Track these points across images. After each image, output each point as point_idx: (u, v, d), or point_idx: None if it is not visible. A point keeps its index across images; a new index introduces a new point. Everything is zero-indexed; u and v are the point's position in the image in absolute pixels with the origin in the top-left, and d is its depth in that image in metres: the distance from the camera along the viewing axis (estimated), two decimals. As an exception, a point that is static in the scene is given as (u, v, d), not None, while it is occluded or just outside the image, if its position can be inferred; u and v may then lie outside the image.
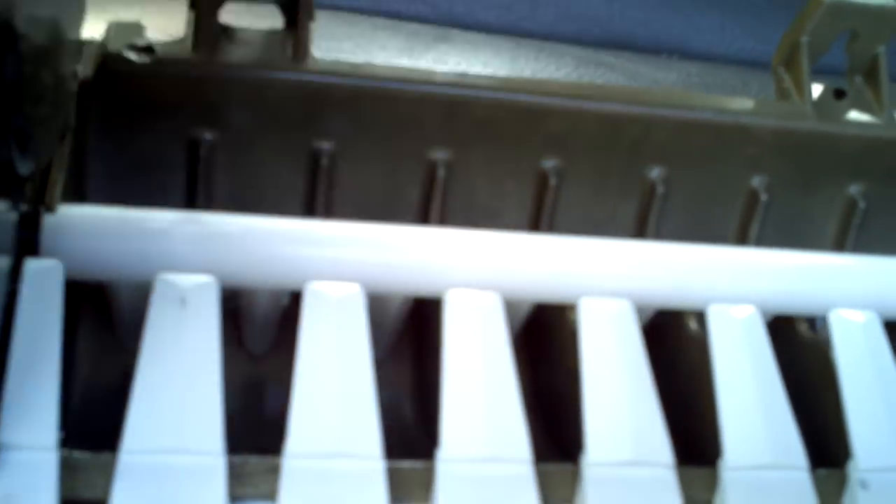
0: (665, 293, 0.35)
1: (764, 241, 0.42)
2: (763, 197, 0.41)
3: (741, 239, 0.42)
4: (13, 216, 0.31)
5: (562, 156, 0.40)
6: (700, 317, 0.36)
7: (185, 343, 0.30)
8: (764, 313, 0.35)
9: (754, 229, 0.42)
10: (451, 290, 0.33)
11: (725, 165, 0.41)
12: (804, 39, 0.42)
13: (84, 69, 0.36)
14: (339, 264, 0.33)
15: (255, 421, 0.39)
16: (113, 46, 0.36)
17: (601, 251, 0.35)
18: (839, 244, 0.43)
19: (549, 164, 0.40)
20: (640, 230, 0.41)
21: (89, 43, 0.37)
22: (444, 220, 0.40)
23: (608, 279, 0.35)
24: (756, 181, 0.42)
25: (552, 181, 0.40)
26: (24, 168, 0.30)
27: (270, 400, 0.40)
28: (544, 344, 0.40)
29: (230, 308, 0.38)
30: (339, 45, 0.57)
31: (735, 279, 0.35)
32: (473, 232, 0.34)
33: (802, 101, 0.41)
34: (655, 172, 0.41)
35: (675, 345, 0.39)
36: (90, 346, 0.38)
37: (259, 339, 0.39)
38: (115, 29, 0.37)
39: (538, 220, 0.41)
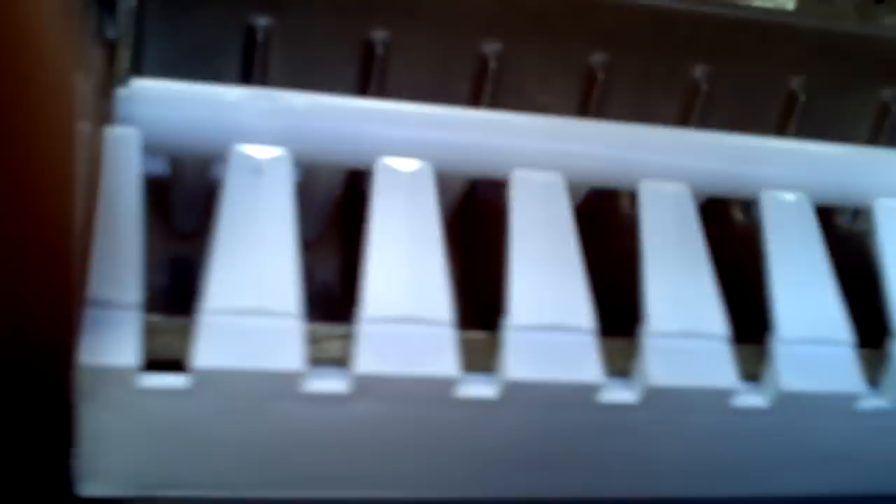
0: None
1: (801, 137, 0.43)
2: (801, 97, 0.42)
3: (780, 135, 0.43)
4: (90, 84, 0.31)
5: (610, 51, 0.41)
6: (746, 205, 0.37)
7: (262, 210, 0.31)
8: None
9: (791, 129, 0.43)
10: (517, 169, 0.34)
11: (768, 65, 0.42)
12: (848, -58, 0.42)
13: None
14: (405, 142, 0.33)
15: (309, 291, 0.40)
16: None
17: (656, 137, 0.36)
18: (872, 142, 0.44)
19: (598, 58, 0.41)
20: (682, 126, 0.42)
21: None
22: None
23: (663, 165, 0.36)
24: (795, 82, 0.43)
25: (599, 76, 0.41)
26: (112, 31, 0.30)
27: (318, 276, 0.41)
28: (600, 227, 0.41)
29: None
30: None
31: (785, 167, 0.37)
32: (536, 116, 0.35)
33: (844, 3, 0.42)
34: (700, 70, 0.42)
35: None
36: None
37: (311, 225, 0.40)
38: None
39: (585, 113, 0.41)
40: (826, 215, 0.40)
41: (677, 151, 0.36)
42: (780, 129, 0.43)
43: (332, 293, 0.41)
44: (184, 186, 0.36)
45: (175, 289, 0.39)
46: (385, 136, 0.33)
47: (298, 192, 0.32)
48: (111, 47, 0.33)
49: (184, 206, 0.38)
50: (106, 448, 0.29)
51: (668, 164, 0.36)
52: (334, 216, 0.40)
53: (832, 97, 0.43)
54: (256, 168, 0.31)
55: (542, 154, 0.35)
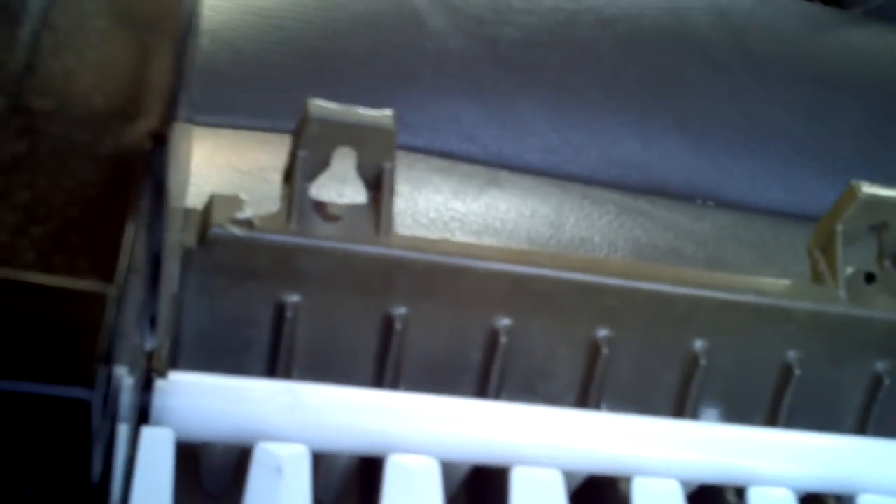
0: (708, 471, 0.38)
1: (795, 411, 0.45)
2: (797, 371, 0.45)
3: (774, 409, 0.45)
4: (130, 381, 0.34)
5: (613, 327, 0.44)
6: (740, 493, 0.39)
7: (281, 510, 0.33)
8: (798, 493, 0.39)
9: (787, 401, 0.45)
10: (517, 467, 0.36)
11: (762, 341, 0.45)
12: (839, 228, 0.45)
13: (189, 239, 0.40)
14: (416, 436, 0.36)
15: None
16: (215, 217, 0.40)
17: (650, 430, 0.38)
18: (864, 417, 0.46)
19: (602, 333, 0.44)
20: (681, 397, 0.45)
21: (193, 212, 0.41)
22: (502, 381, 0.44)
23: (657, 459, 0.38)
24: (790, 356, 0.45)
25: (604, 350, 0.44)
26: (150, 343, 0.33)
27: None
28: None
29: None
30: (399, 188, 0.61)
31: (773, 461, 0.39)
32: (537, 409, 0.38)
33: (836, 285, 0.45)
34: (699, 345, 0.44)
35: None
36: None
37: (332, 490, 0.42)
38: (217, 200, 0.41)
39: (589, 384, 0.44)
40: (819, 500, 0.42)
41: (669, 444, 0.38)
42: (777, 400, 0.46)
43: None
44: (213, 459, 0.39)
45: None
46: (396, 430, 0.36)
47: (320, 460, 0.35)
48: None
49: (213, 470, 0.41)
50: None
51: (661, 456, 0.38)
52: (353, 481, 0.42)
53: (826, 370, 0.46)
54: (278, 468, 0.34)
55: (541, 447, 0.37)
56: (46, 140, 0.27)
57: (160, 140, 0.28)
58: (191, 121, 0.42)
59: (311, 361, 0.42)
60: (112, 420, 0.24)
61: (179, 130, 0.33)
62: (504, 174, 0.65)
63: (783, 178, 0.69)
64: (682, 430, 0.39)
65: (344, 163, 0.41)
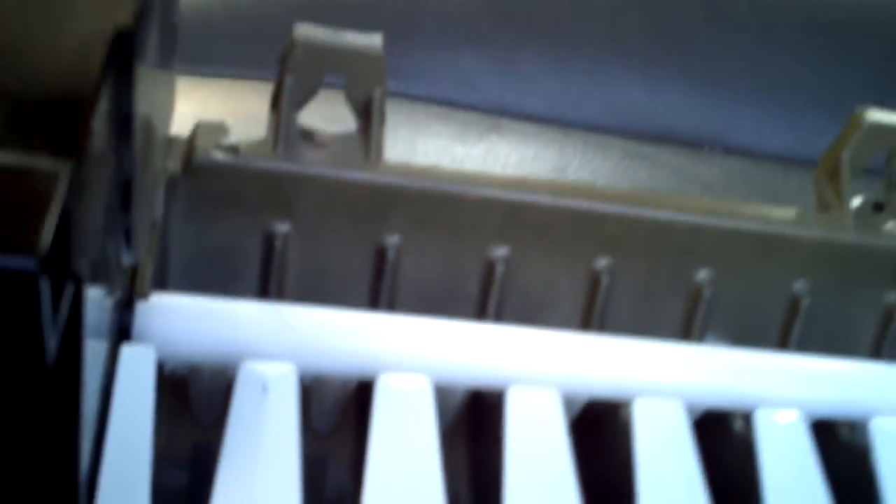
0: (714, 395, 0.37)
1: (805, 343, 0.44)
2: (804, 301, 0.44)
3: (783, 341, 0.44)
4: (110, 301, 0.33)
5: (613, 257, 0.42)
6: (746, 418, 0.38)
7: (266, 428, 0.32)
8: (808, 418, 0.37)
9: (796, 332, 0.44)
10: (513, 387, 0.35)
11: (768, 272, 0.43)
12: (845, 155, 0.44)
13: (174, 165, 0.39)
14: (407, 357, 0.35)
15: (317, 496, 0.41)
16: (200, 144, 0.39)
17: (653, 353, 0.37)
18: (876, 350, 0.45)
19: (602, 263, 0.42)
20: (686, 330, 0.44)
21: (178, 140, 0.40)
22: (500, 312, 0.42)
23: (660, 382, 0.37)
24: (798, 287, 0.44)
25: (604, 280, 0.42)
26: (128, 260, 0.32)
27: (331, 476, 0.42)
28: (598, 438, 0.42)
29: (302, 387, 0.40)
30: (395, 132, 0.59)
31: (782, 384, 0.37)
32: (535, 331, 0.37)
33: (842, 214, 0.44)
34: (702, 275, 0.43)
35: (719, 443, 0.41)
36: (166, 421, 0.41)
37: (326, 419, 0.41)
38: (202, 128, 0.40)
39: (590, 315, 0.43)
40: (829, 428, 0.41)
41: (673, 367, 0.37)
42: (785, 332, 0.44)
43: (344, 489, 0.42)
44: (201, 385, 0.38)
45: (196, 482, 0.41)
46: (386, 352, 0.35)
47: (312, 389, 0.34)
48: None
49: (203, 399, 0.40)
50: None
51: (663, 379, 0.37)
52: (348, 410, 0.41)
53: (835, 301, 0.44)
54: (263, 386, 0.33)
55: (539, 369, 0.36)
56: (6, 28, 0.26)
57: (127, 35, 0.27)
58: (171, 65, 0.41)
59: (302, 293, 0.41)
60: (77, 309, 0.23)
61: (151, 29, 0.32)
62: (505, 121, 0.64)
63: (791, 123, 0.68)
64: (686, 353, 0.38)
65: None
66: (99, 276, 0.30)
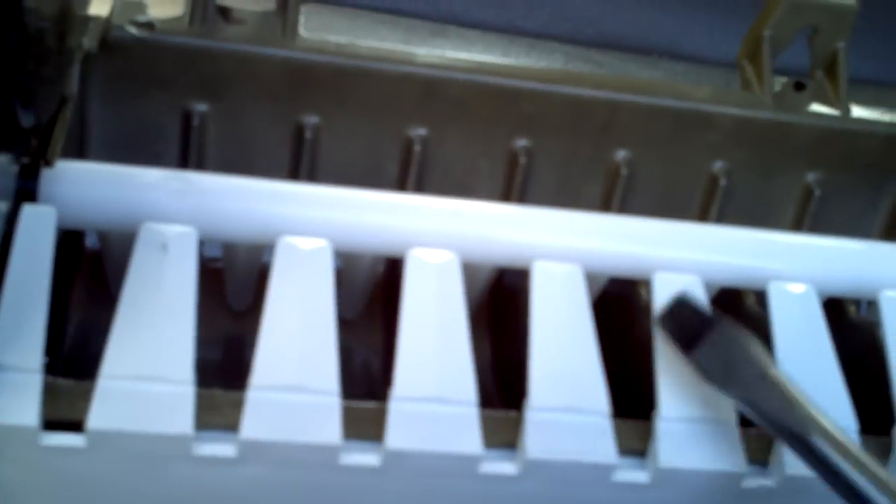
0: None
1: (724, 220, 0.44)
2: (722, 182, 0.44)
3: (702, 218, 0.44)
4: (15, 168, 0.34)
5: (532, 136, 0.43)
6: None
7: (165, 284, 0.33)
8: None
9: (713, 212, 0.44)
10: (413, 250, 0.35)
11: (687, 150, 0.44)
12: (766, 34, 0.44)
13: (89, 41, 0.39)
14: (309, 222, 0.35)
15: (234, 371, 0.42)
16: (117, 21, 0.40)
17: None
18: (796, 229, 0.45)
19: (520, 143, 0.43)
20: (604, 210, 0.44)
21: (96, 18, 0.40)
22: (419, 193, 0.43)
23: (562, 247, 0.37)
24: (716, 166, 0.44)
25: (522, 160, 0.43)
26: (26, 120, 0.33)
27: (248, 351, 0.43)
28: (508, 309, 0.43)
29: (215, 266, 0.41)
30: (338, 38, 0.59)
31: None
32: (437, 199, 0.37)
33: (763, 92, 0.44)
34: (621, 155, 0.43)
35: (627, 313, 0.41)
36: (83, 297, 0.41)
37: (239, 295, 0.42)
38: (120, 6, 0.40)
39: (508, 196, 0.43)
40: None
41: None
42: (703, 212, 0.45)
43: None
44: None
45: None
46: (289, 216, 0.35)
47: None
48: (46, 131, 0.35)
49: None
50: (13, 500, 0.31)
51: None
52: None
53: (754, 181, 0.45)
54: (163, 245, 0.33)
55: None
56: None
57: None
58: None
59: (222, 171, 0.41)
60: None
61: None
62: (451, 27, 0.64)
63: (741, 31, 0.67)
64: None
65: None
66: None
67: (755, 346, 0.33)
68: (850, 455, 0.30)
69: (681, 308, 0.34)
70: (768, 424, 0.32)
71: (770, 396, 0.32)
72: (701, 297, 0.36)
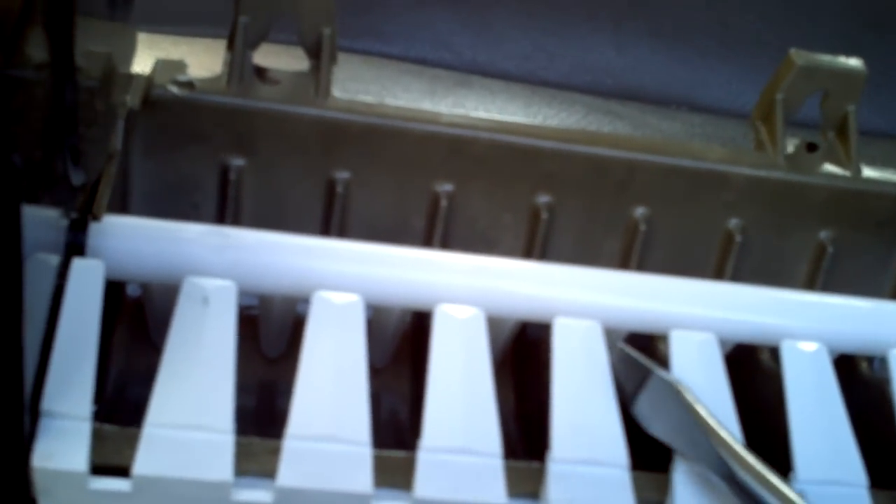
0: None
1: (739, 280, 0.46)
2: (738, 238, 0.46)
3: (717, 277, 0.46)
4: (65, 222, 0.36)
5: (553, 193, 0.44)
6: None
7: (206, 336, 0.34)
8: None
9: (729, 268, 0.46)
10: (441, 306, 0.37)
11: (703, 208, 0.45)
12: (779, 97, 0.46)
13: (133, 99, 0.41)
14: (342, 277, 0.37)
15: (268, 416, 0.44)
16: (158, 80, 0.42)
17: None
18: (810, 286, 0.47)
19: (542, 199, 0.45)
20: (623, 265, 0.46)
21: (139, 77, 0.42)
22: (445, 247, 0.45)
23: (583, 304, 0.39)
24: (732, 223, 0.46)
25: (544, 215, 0.45)
26: (76, 179, 0.35)
27: (281, 398, 0.44)
28: (531, 359, 0.44)
29: (251, 314, 0.43)
30: (366, 87, 0.62)
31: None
32: (463, 255, 0.39)
33: (776, 153, 0.46)
34: (639, 212, 0.45)
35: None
36: (125, 343, 0.43)
37: (273, 343, 0.44)
38: (162, 65, 0.42)
39: (531, 249, 0.45)
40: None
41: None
42: (720, 268, 0.46)
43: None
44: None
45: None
46: (322, 271, 0.37)
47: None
48: (93, 187, 0.37)
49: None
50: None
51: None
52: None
53: (769, 238, 0.46)
54: (204, 298, 0.35)
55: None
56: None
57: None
58: (127, 18, 0.43)
59: (257, 224, 0.43)
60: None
61: None
62: (475, 78, 0.66)
63: (757, 82, 0.69)
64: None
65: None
66: (44, 191, 0.33)
67: (687, 393, 0.35)
68: (781, 494, 0.32)
69: (620, 360, 0.37)
70: (706, 470, 0.34)
71: (699, 442, 0.34)
72: (716, 354, 0.38)
